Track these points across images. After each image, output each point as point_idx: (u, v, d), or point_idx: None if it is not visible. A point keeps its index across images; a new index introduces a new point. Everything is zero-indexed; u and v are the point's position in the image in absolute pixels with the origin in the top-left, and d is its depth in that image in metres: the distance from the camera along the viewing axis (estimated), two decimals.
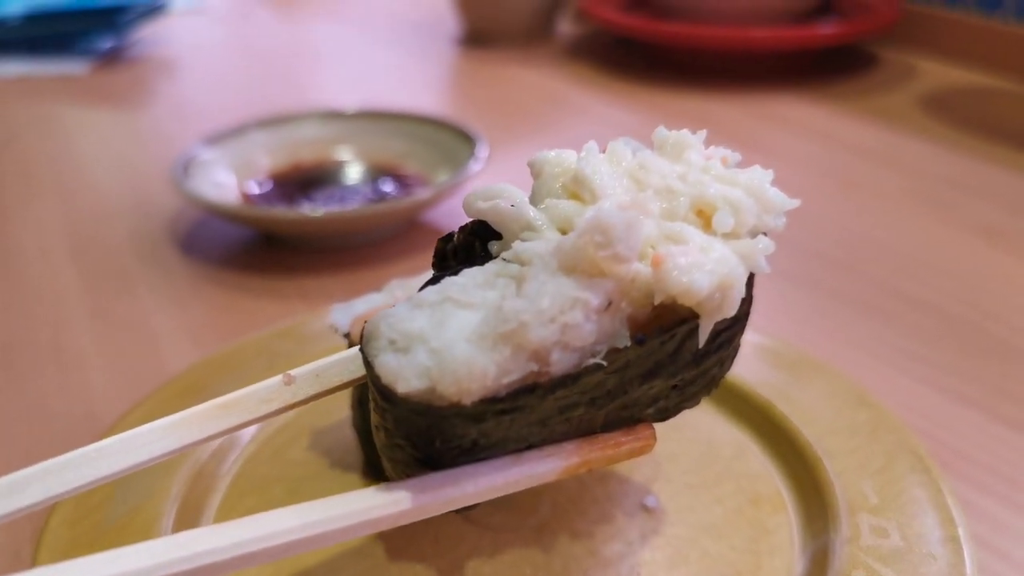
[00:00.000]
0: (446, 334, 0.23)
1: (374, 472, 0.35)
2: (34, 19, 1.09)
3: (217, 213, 0.56)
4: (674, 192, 0.27)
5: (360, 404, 0.33)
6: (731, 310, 0.26)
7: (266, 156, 0.64)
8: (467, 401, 0.22)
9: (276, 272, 0.56)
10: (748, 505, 0.34)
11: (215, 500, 0.34)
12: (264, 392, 0.26)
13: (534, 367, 0.23)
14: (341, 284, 0.54)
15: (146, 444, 0.23)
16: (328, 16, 1.25)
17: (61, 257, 0.59)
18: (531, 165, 0.29)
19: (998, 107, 0.82)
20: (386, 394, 0.23)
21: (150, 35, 1.10)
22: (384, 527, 0.24)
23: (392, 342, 0.23)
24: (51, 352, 0.48)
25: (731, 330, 0.30)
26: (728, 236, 0.28)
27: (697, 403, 0.33)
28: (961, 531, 0.31)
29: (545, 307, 0.23)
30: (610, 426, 0.29)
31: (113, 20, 1.00)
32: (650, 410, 0.30)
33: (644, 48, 0.98)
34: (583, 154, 0.28)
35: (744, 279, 0.26)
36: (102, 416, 0.42)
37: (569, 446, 0.28)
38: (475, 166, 0.58)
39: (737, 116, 0.81)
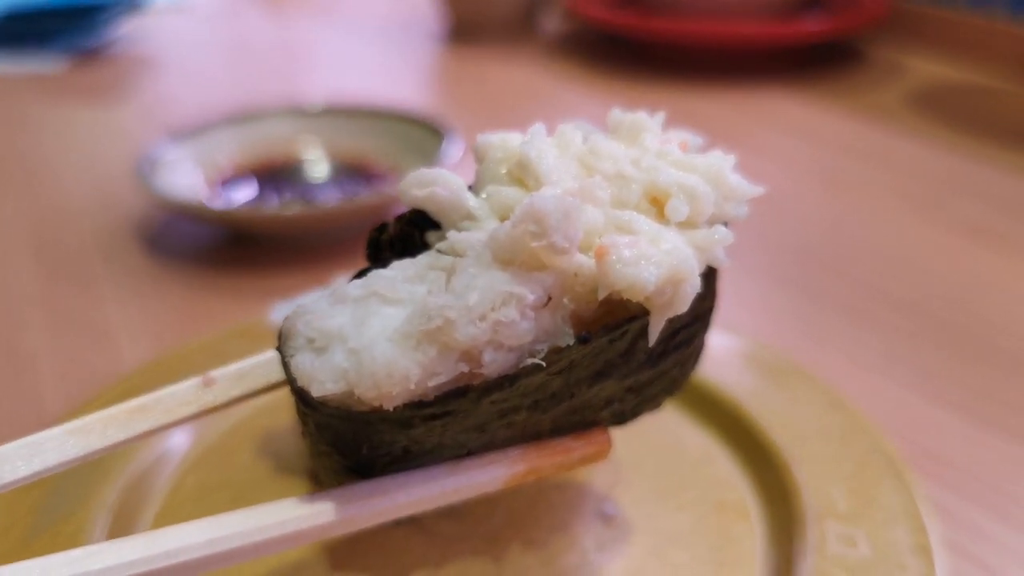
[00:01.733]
0: (367, 332, 0.21)
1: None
2: (12, 17, 1.08)
3: (182, 211, 0.55)
4: (626, 178, 0.26)
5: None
6: (683, 306, 0.24)
7: (233, 153, 0.62)
8: (389, 405, 0.21)
9: (244, 271, 0.54)
10: (712, 512, 0.33)
11: (152, 509, 0.33)
12: (182, 394, 0.24)
13: (464, 368, 0.22)
14: (311, 282, 0.53)
15: (46, 451, 0.22)
16: (313, 14, 1.23)
17: (23, 256, 0.57)
18: (474, 150, 0.27)
19: (987, 105, 0.81)
20: (304, 397, 0.21)
21: (131, 33, 1.08)
22: (308, 541, 0.23)
23: (310, 341, 0.21)
24: (4, 353, 0.47)
25: (690, 328, 0.29)
26: (684, 225, 0.26)
27: (658, 406, 0.31)
28: (933, 539, 0.30)
29: (473, 303, 0.21)
30: (560, 431, 0.28)
31: (91, 17, 0.99)
32: (604, 413, 0.29)
33: (630, 45, 0.96)
34: (528, 137, 0.26)
35: (697, 272, 0.24)
36: (51, 420, 0.41)
37: (514, 452, 0.26)
38: (445, 160, 0.56)
39: (724, 112, 0.80)
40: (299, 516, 0.22)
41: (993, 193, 0.62)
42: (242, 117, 0.64)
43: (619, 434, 0.31)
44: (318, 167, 0.63)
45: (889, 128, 0.75)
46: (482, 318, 0.21)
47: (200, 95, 0.90)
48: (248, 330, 0.41)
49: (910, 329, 0.47)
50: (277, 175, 0.62)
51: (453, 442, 0.24)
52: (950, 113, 0.78)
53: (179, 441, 0.36)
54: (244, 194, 0.59)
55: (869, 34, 0.95)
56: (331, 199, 0.58)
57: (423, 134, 0.62)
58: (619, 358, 0.26)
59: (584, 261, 0.23)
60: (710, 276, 0.28)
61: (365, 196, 0.54)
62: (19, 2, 1.20)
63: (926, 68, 0.90)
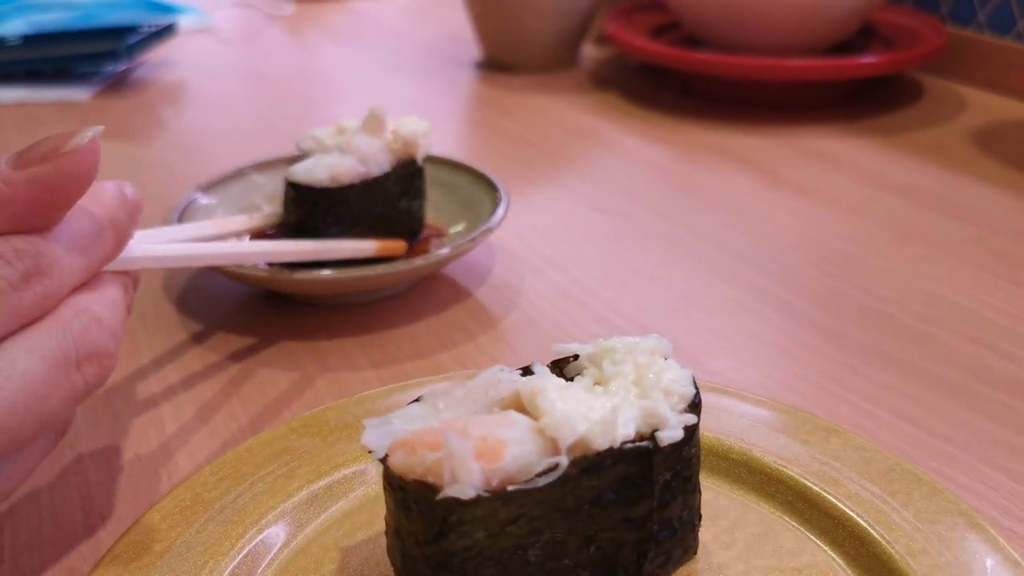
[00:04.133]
0: None
1: None
2: (35, 39, 1.05)
3: (215, 270, 0.51)
4: None
5: (397, 533, 0.28)
6: None
7: (267, 201, 0.59)
8: None
9: (286, 333, 0.51)
10: None
11: None
12: None
13: None
14: (358, 346, 0.50)
15: None
16: (339, 38, 1.20)
17: None
18: None
19: None
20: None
21: (155, 57, 1.05)
22: None
23: None
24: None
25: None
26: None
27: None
28: None
29: None
30: None
31: (119, 42, 0.95)
32: None
33: (674, 75, 0.93)
34: None
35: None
36: (94, 524, 0.37)
37: None
38: (496, 220, 0.53)
39: (776, 151, 0.76)
40: None
41: None
42: (275, 161, 0.61)
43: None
44: None
45: (955, 169, 0.72)
46: None
47: (228, 127, 0.87)
48: (311, 424, 0.37)
49: (1020, 410, 0.43)
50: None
51: None
52: (1016, 152, 0.74)
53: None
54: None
55: (925, 65, 0.92)
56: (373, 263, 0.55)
57: (472, 184, 0.59)
58: None
59: None
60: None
61: (411, 263, 0.50)
62: (42, 23, 1.17)
63: (987, 102, 0.86)
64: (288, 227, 0.53)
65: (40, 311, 0.28)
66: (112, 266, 0.32)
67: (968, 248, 0.59)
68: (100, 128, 0.29)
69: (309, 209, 0.51)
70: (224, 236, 0.49)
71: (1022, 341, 0.49)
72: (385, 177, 0.52)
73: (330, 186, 0.50)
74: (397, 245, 0.54)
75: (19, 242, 0.27)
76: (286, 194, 0.52)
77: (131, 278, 0.34)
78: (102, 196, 0.31)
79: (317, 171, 0.50)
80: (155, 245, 0.38)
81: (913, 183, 0.70)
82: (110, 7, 1.25)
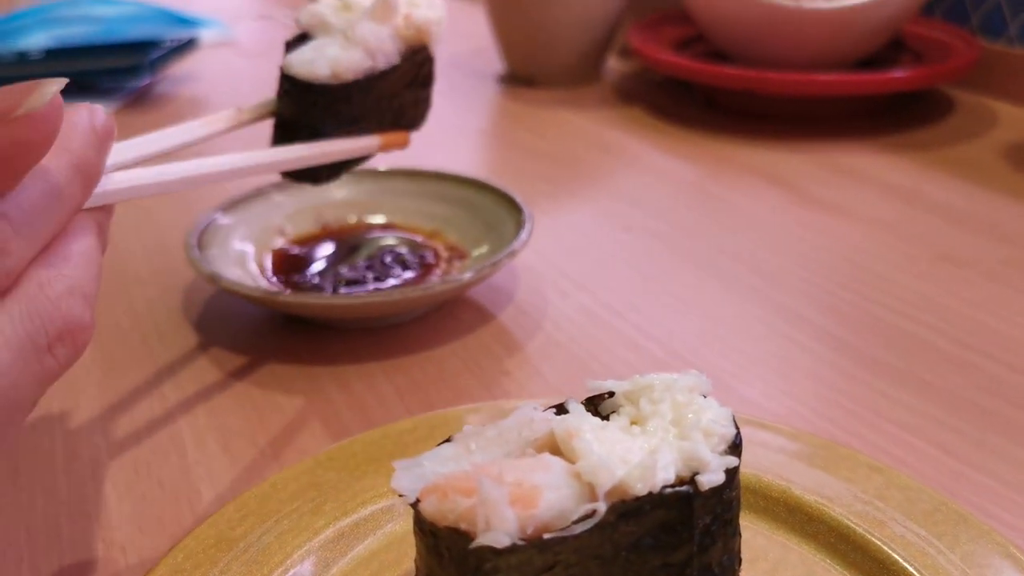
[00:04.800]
0: None
1: None
2: (58, 54, 1.05)
3: (233, 293, 0.51)
4: None
5: None
6: None
7: (288, 222, 0.58)
8: None
9: (308, 357, 0.50)
10: None
11: None
12: None
13: None
14: (381, 370, 0.49)
15: None
16: None
17: None
18: None
19: None
20: None
21: (177, 70, 1.05)
22: None
23: None
24: (63, 460, 0.43)
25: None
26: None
27: None
28: None
29: None
30: None
31: (142, 57, 0.95)
32: None
33: (700, 89, 0.92)
34: None
35: None
36: (115, 558, 0.37)
37: None
38: (520, 242, 0.52)
39: (804, 167, 0.75)
40: None
41: None
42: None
43: None
44: (381, 239, 0.59)
45: (989, 186, 0.70)
46: None
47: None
48: (337, 457, 0.36)
49: None
50: (336, 247, 0.58)
51: None
52: None
53: None
54: (301, 269, 0.56)
55: (957, 80, 0.90)
56: (397, 278, 0.54)
57: (495, 204, 0.58)
58: None
59: None
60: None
61: (435, 286, 0.49)
62: (64, 37, 1.18)
63: (1018, 116, 0.84)
64: (281, 122, 0.46)
65: None
66: (89, 203, 0.29)
67: (1006, 270, 0.58)
68: (63, 81, 0.25)
69: (306, 107, 0.45)
70: (210, 137, 0.42)
71: None
72: (393, 70, 0.46)
73: (331, 83, 0.44)
74: (400, 138, 0.49)
75: None
76: (281, 85, 0.46)
77: (105, 212, 0.30)
78: (69, 137, 0.27)
79: (317, 64, 0.44)
80: (131, 171, 0.33)
81: (946, 201, 0.68)
82: (132, 21, 1.25)
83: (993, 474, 0.40)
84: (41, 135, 0.24)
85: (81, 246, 0.27)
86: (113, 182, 0.31)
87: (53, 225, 0.26)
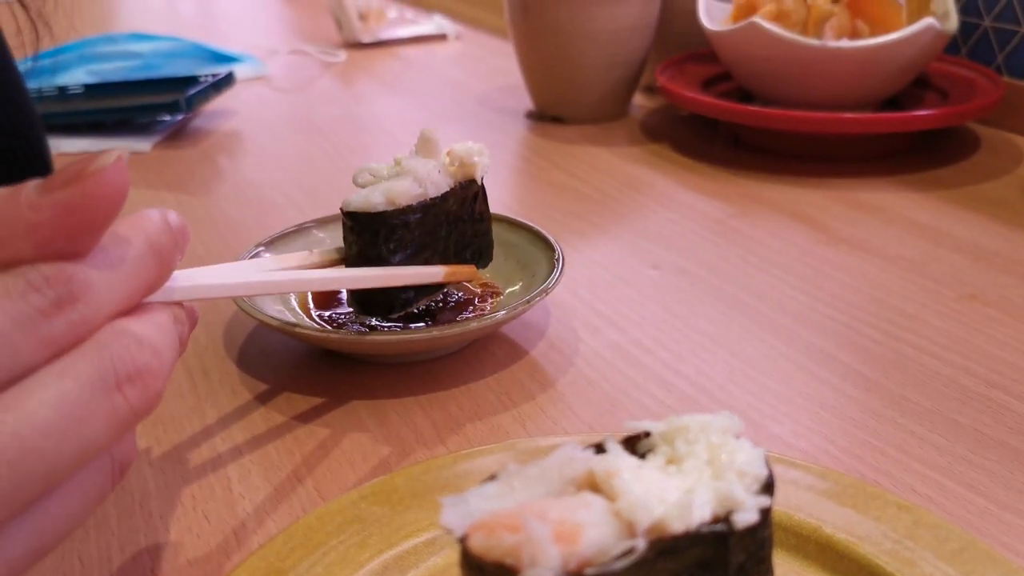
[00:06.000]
0: None
1: None
2: (97, 89, 1.08)
3: (271, 328, 0.52)
4: None
5: None
6: None
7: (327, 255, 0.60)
8: None
9: (347, 391, 0.52)
10: None
11: None
12: None
13: None
14: (418, 405, 0.50)
15: None
16: (391, 86, 1.22)
17: None
18: None
19: None
20: None
21: (213, 106, 1.08)
22: None
23: None
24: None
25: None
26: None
27: None
28: None
29: None
30: None
31: (180, 93, 0.98)
32: None
33: (726, 127, 0.93)
34: None
35: None
36: None
37: None
38: (553, 281, 0.54)
39: (830, 206, 0.76)
40: None
41: None
42: (336, 217, 0.62)
43: None
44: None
45: (1017, 225, 0.71)
46: None
47: (284, 175, 0.88)
48: (380, 491, 0.38)
49: None
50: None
51: None
52: None
53: None
54: (341, 304, 0.57)
55: (981, 116, 0.91)
56: (432, 326, 0.56)
57: (528, 242, 0.59)
58: None
59: None
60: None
61: (470, 325, 0.51)
62: (103, 73, 1.21)
63: None
64: (350, 261, 0.50)
65: (75, 338, 0.26)
66: (162, 297, 0.31)
67: None
68: (126, 150, 0.27)
69: (369, 238, 0.49)
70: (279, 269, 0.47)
71: None
72: (444, 198, 0.50)
73: (387, 209, 0.48)
74: (466, 270, 0.53)
75: (48, 268, 0.26)
76: (344, 226, 0.50)
77: (185, 311, 0.32)
78: (142, 221, 0.29)
79: (372, 197, 0.48)
80: (210, 277, 0.36)
81: (973, 239, 0.69)
82: (169, 57, 1.29)
83: (1021, 513, 0.41)
84: (111, 190, 0.27)
85: (157, 319, 0.29)
86: (193, 280, 0.33)
87: (131, 288, 0.28)
